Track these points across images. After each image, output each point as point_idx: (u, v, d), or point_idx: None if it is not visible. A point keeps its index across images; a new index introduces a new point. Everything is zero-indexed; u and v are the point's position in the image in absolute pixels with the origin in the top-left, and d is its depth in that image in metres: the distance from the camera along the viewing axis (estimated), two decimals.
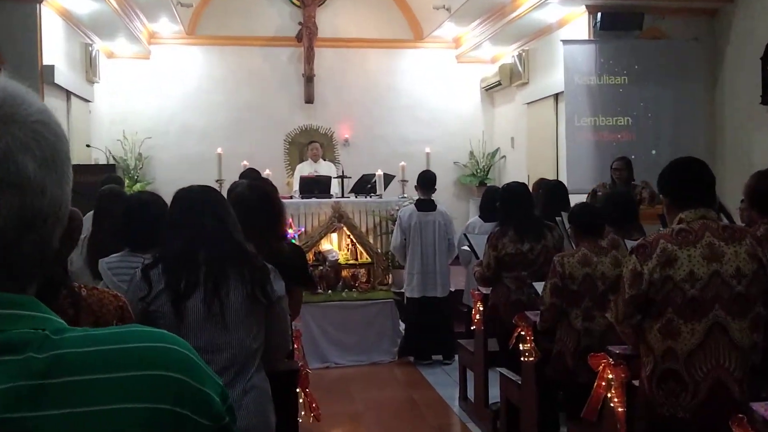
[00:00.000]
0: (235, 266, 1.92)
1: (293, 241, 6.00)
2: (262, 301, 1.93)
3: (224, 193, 2.38)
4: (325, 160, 8.29)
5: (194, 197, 2.00)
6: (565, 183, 5.02)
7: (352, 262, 6.32)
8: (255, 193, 2.61)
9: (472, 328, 4.34)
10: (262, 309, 1.95)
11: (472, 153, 9.16)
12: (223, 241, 1.93)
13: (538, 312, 3.09)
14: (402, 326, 5.79)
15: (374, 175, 7.05)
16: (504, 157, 9.00)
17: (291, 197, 7.07)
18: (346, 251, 6.45)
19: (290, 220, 6.32)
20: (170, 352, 0.55)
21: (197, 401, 0.55)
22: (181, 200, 1.99)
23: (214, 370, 0.64)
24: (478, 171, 9.09)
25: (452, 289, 5.96)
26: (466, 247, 4.87)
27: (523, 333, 3.22)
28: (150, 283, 1.86)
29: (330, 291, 5.90)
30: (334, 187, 7.43)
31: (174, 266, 1.87)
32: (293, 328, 3.38)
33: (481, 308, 4.05)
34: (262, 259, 2.00)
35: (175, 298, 1.84)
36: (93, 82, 7.51)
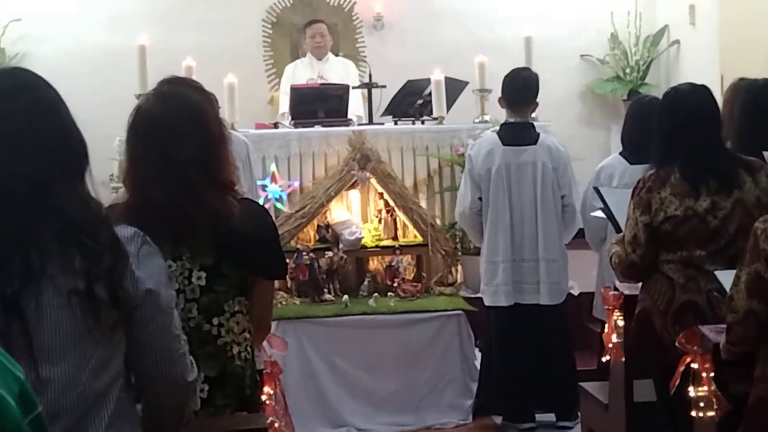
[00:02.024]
0: (63, 245, 1.96)
1: (262, 201, 6.04)
2: (111, 303, 1.98)
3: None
4: (338, 55, 8.35)
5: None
6: None
7: (386, 243, 6.37)
8: (173, 108, 2.67)
9: (604, 360, 4.40)
10: (112, 319, 2.00)
11: (614, 38, 9.07)
12: (39, 203, 1.96)
13: (724, 327, 3.12)
14: (479, 358, 5.84)
15: (428, 81, 7.00)
16: (677, 42, 8.92)
17: (275, 125, 7.13)
18: (375, 224, 6.48)
19: (273, 165, 6.35)
20: None
21: None
22: None
23: None
24: (628, 71, 9.02)
25: (572, 292, 5.93)
26: (598, 213, 4.80)
27: (695, 365, 3.26)
28: None
29: (346, 297, 5.96)
30: (355, 106, 7.44)
31: None
32: (264, 356, 3.41)
33: (622, 322, 4.10)
34: (109, 224, 2.04)
35: None
36: None
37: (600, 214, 4.74)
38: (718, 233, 3.70)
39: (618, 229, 4.20)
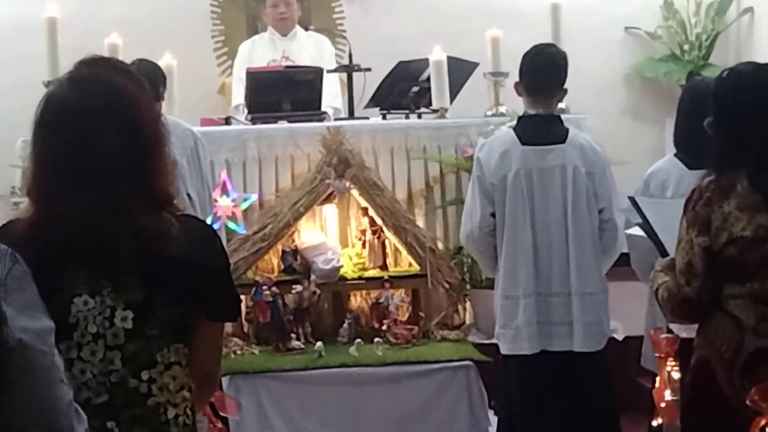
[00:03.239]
0: None
1: (216, 220, 6.04)
2: None
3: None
4: (308, 29, 8.36)
5: None
6: None
7: (372, 273, 6.40)
8: (93, 96, 2.66)
9: (656, 423, 4.41)
10: None
11: (668, 5, 9.11)
12: None
13: None
14: (494, 424, 5.86)
15: (426, 63, 7.05)
16: (749, 10, 8.95)
17: (226, 121, 7.17)
18: (358, 248, 6.52)
19: (222, 172, 6.36)
20: None
21: None
22: None
23: None
24: (687, 47, 9.08)
25: (615, 336, 5.97)
26: (635, 230, 4.81)
27: None
28: None
29: (320, 344, 5.98)
30: (331, 95, 7.47)
31: None
32: (208, 423, 3.41)
33: (677, 374, 4.12)
34: None
35: None
36: None
37: (638, 231, 4.73)
38: None
39: (663, 252, 4.18)
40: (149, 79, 4.83)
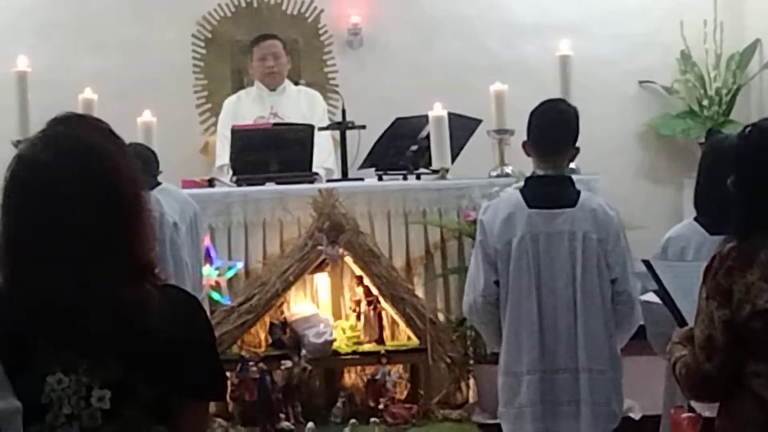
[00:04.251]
0: None
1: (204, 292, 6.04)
2: None
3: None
4: (298, 83, 8.42)
5: None
6: None
7: (367, 348, 6.40)
8: (67, 156, 2.67)
9: None
10: None
11: (686, 57, 9.17)
12: None
13: None
14: None
15: (425, 119, 7.09)
16: None
17: (210, 183, 7.18)
18: (352, 321, 6.52)
19: (206, 239, 6.36)
20: None
21: None
22: None
23: None
24: (706, 103, 9.11)
25: (631, 415, 5.98)
26: (649, 296, 4.80)
27: None
28: None
29: (311, 425, 5.99)
30: (323, 154, 7.50)
31: None
32: None
33: None
34: None
35: None
36: None
37: (653, 297, 4.68)
38: None
39: (681, 321, 4.16)
40: (144, 164, 4.92)
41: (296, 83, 8.33)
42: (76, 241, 2.59)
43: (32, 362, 2.50)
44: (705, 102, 9.08)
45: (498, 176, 6.98)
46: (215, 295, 6.28)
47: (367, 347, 6.36)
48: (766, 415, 3.66)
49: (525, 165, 6.04)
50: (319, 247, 6.27)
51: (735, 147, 4.05)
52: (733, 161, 3.99)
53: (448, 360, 6.33)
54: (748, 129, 4.01)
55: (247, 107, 8.03)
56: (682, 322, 4.13)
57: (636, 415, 6.07)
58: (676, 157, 9.20)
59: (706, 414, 4.04)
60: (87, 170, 2.65)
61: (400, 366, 6.33)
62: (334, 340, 6.25)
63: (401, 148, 7.17)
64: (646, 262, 4.66)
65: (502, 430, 5.66)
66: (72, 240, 2.58)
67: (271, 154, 6.98)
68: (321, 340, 6.16)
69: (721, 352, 3.69)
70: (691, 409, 4.16)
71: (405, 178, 7.09)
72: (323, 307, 6.47)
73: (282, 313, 6.37)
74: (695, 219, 5.26)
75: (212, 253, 6.35)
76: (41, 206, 2.60)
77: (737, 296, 3.69)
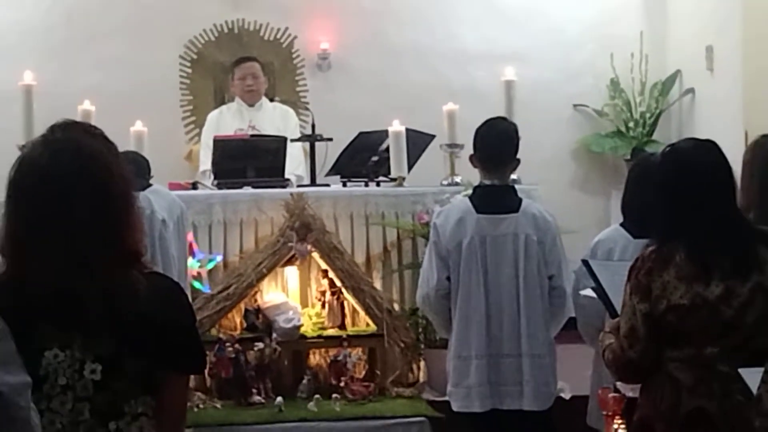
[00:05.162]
0: None
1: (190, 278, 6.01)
2: None
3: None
4: (273, 100, 8.40)
5: None
6: None
7: (331, 332, 6.38)
8: (65, 159, 2.67)
9: None
10: None
11: (615, 84, 9.20)
12: None
13: None
14: None
15: (385, 134, 7.08)
16: (691, 91, 9.04)
17: (193, 186, 7.15)
18: (318, 308, 6.51)
19: (189, 234, 6.34)
20: None
21: None
22: None
23: None
24: (632, 125, 9.13)
25: (562, 395, 5.96)
26: (588, 291, 4.81)
27: None
28: None
29: (280, 399, 5.95)
30: (294, 163, 7.47)
31: None
32: None
33: (623, 430, 4.10)
34: None
35: None
36: None
37: (591, 293, 4.69)
38: (733, 326, 3.64)
39: (613, 314, 4.17)
40: (137, 169, 4.92)
41: (272, 100, 8.33)
42: (72, 232, 2.59)
43: (32, 338, 2.49)
44: (631, 124, 9.10)
45: (449, 185, 6.97)
46: (197, 284, 6.25)
47: (331, 332, 6.35)
48: (679, 394, 3.70)
49: (473, 175, 6.05)
50: (290, 244, 6.26)
51: (658, 164, 4.06)
52: (655, 176, 4.02)
53: (402, 344, 6.32)
54: (668, 148, 4.06)
55: (228, 120, 8.02)
56: (614, 314, 4.14)
57: (567, 396, 6.09)
58: (605, 172, 9.23)
59: (630, 394, 4.09)
60: (82, 169, 2.67)
61: (360, 349, 6.31)
62: (302, 325, 6.23)
63: (364, 158, 7.15)
64: (585, 262, 4.69)
65: (451, 407, 5.66)
66: (68, 231, 2.59)
67: (249, 161, 6.96)
68: (290, 325, 6.14)
69: (642, 341, 3.74)
70: (617, 390, 4.17)
71: (366, 185, 7.07)
72: (292, 296, 6.45)
73: (256, 300, 6.35)
74: (621, 224, 5.29)
75: (194, 247, 6.33)
76: (41, 203, 2.61)
77: (655, 293, 3.73)
